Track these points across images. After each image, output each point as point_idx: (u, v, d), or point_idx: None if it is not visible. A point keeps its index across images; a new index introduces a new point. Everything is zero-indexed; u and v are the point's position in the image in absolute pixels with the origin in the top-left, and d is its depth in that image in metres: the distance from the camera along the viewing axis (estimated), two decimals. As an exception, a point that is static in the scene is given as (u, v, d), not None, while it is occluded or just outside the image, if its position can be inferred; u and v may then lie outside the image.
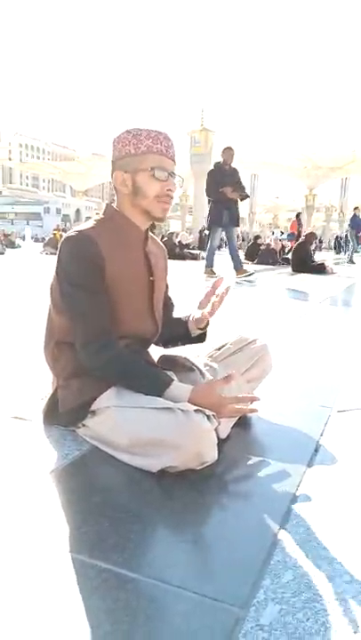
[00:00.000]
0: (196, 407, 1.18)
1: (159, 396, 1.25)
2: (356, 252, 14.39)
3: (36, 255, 13.42)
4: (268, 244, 12.48)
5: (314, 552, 0.91)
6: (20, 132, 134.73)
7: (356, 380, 2.13)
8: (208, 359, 1.60)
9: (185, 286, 5.48)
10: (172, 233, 15.14)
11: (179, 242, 13.65)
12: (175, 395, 1.25)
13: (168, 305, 1.59)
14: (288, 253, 12.00)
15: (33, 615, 0.74)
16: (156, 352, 1.55)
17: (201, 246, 19.18)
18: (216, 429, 1.23)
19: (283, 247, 12.55)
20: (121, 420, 1.23)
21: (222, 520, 1.04)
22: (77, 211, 56.71)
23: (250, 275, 6.96)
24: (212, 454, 1.21)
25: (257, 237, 13.54)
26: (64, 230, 17.56)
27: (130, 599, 0.78)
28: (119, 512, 1.02)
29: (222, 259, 8.13)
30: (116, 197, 1.40)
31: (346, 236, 15.64)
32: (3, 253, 13.38)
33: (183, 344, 1.60)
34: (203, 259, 13.57)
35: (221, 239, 9.08)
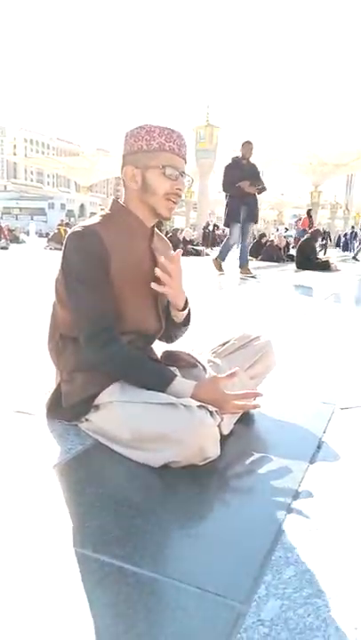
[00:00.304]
0: (199, 403, 1.19)
1: (162, 392, 1.25)
2: None
3: (41, 250, 13.44)
4: (272, 241, 12.44)
5: (315, 548, 0.92)
6: (25, 127, 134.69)
7: (360, 377, 2.13)
8: (211, 355, 1.60)
9: (189, 282, 5.48)
10: (177, 229, 15.14)
11: (183, 238, 13.64)
12: (178, 390, 1.25)
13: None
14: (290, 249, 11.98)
15: (36, 608, 0.75)
16: (159, 348, 1.55)
17: (205, 242, 19.18)
18: (219, 425, 1.24)
19: (287, 244, 12.51)
20: (124, 415, 1.23)
21: (224, 515, 1.04)
22: (82, 206, 56.69)
23: (252, 276, 6.78)
24: (214, 450, 1.21)
25: (262, 236, 13.51)
26: (67, 225, 17.54)
27: (132, 593, 0.78)
28: (122, 506, 1.03)
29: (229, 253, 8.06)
30: (123, 192, 1.39)
31: (353, 233, 15.58)
32: (7, 248, 13.40)
33: (175, 334, 1.57)
34: (207, 255, 13.61)
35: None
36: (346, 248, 24.15)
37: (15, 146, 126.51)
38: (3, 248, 13.27)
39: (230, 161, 6.76)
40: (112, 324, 1.30)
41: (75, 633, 0.70)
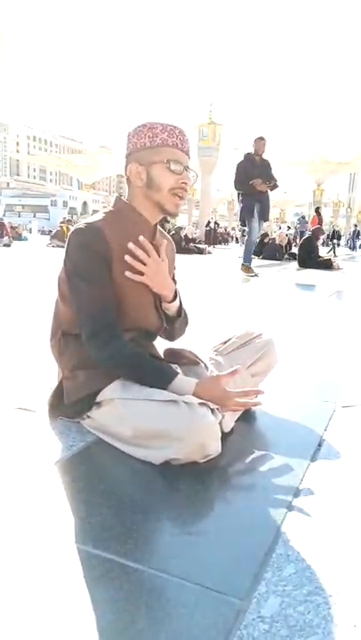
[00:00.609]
0: (200, 400, 1.19)
1: (164, 389, 1.25)
2: None
3: (43, 248, 13.44)
4: (274, 239, 12.43)
5: (316, 546, 0.92)
6: (28, 124, 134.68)
7: (362, 375, 2.13)
8: (213, 353, 1.60)
9: (191, 279, 5.48)
10: (180, 227, 15.12)
11: (185, 236, 13.63)
12: (180, 388, 1.25)
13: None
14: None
15: (37, 604, 0.75)
16: (161, 345, 1.55)
17: (207, 240, 19.16)
18: (220, 423, 1.24)
19: (289, 242, 12.47)
20: (125, 412, 1.23)
21: (225, 513, 1.05)
22: (84, 203, 56.69)
23: (254, 275, 6.58)
24: (215, 447, 1.21)
25: (265, 235, 13.49)
26: (69, 222, 17.54)
27: (132, 589, 0.78)
28: (123, 503, 1.03)
29: (228, 252, 8.05)
30: (127, 190, 1.39)
31: (355, 231, 15.51)
32: (9, 245, 13.40)
33: (172, 328, 1.55)
34: (209, 253, 13.60)
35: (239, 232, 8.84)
36: (353, 247, 24.08)
37: (18, 143, 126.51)
38: (5, 245, 13.27)
39: (243, 157, 6.60)
40: (114, 321, 1.30)
41: (76, 629, 0.71)
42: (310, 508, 1.04)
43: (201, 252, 13.45)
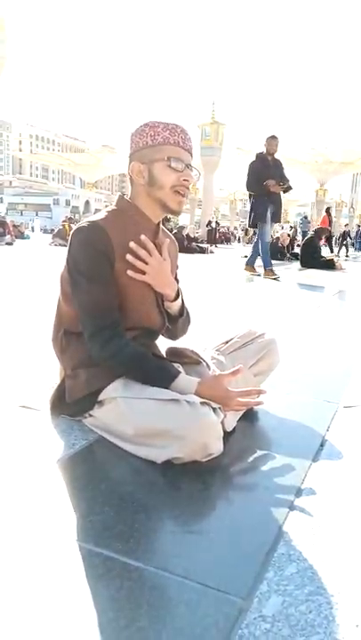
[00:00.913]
0: (202, 399, 1.19)
1: (166, 388, 1.25)
2: None
3: (45, 246, 13.45)
4: (277, 239, 12.41)
5: (318, 546, 0.92)
6: (31, 123, 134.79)
7: (364, 376, 2.12)
8: (215, 352, 1.60)
9: (194, 278, 5.47)
10: (182, 227, 15.11)
11: (187, 235, 13.63)
12: (182, 387, 1.25)
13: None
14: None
15: (39, 602, 0.75)
16: (163, 344, 1.55)
17: (209, 240, 19.15)
18: (222, 422, 1.24)
19: (291, 242, 12.46)
20: (127, 411, 1.23)
21: (227, 512, 1.05)
22: (87, 202, 56.71)
23: (258, 275, 6.47)
24: (217, 446, 1.21)
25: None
26: (71, 220, 17.54)
27: (134, 587, 0.78)
28: (124, 501, 1.03)
29: (230, 252, 8.04)
30: (130, 189, 1.39)
31: (358, 232, 15.45)
32: (12, 244, 13.41)
33: (174, 328, 1.55)
34: (211, 252, 13.59)
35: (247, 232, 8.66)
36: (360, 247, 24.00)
37: (21, 142, 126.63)
38: (8, 244, 13.28)
39: (255, 157, 6.38)
40: (116, 320, 1.30)
41: (77, 627, 0.71)
42: (312, 508, 1.04)
43: (203, 251, 13.45)
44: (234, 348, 1.60)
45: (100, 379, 1.31)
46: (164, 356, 1.50)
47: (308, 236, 9.92)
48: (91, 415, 1.36)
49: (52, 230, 19.76)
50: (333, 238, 14.51)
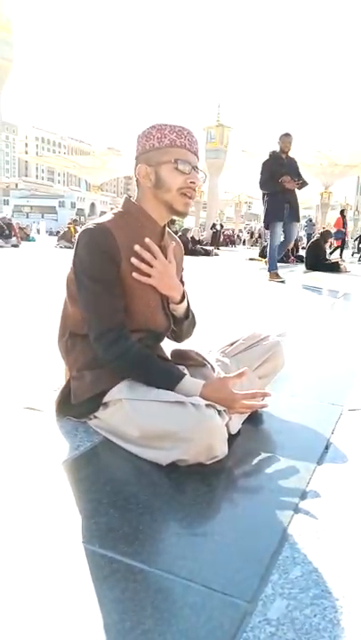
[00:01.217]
0: (207, 402, 1.19)
1: (171, 391, 1.25)
2: None
3: (51, 248, 13.50)
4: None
5: (323, 549, 0.91)
6: (37, 125, 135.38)
7: (369, 379, 2.12)
8: (220, 354, 1.60)
9: (198, 281, 5.48)
10: (187, 229, 15.13)
11: (191, 237, 13.64)
12: (187, 389, 1.25)
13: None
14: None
15: (43, 603, 0.75)
16: (168, 346, 1.55)
17: (213, 242, 19.15)
18: (227, 424, 1.24)
19: (296, 245, 12.43)
20: (132, 413, 1.23)
21: (231, 514, 1.04)
22: (92, 205, 56.84)
23: (282, 281, 6.16)
24: (222, 449, 1.21)
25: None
26: (76, 222, 17.60)
27: (139, 590, 0.78)
28: (129, 503, 1.03)
29: (234, 254, 8.01)
30: (136, 191, 1.40)
31: None
32: (18, 246, 13.46)
33: (179, 330, 1.55)
34: (216, 255, 13.59)
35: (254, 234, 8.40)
36: None
37: (27, 144, 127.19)
38: (14, 246, 13.33)
39: (268, 156, 6.20)
40: (122, 322, 1.30)
41: (82, 628, 0.71)
42: (317, 511, 1.04)
43: (207, 253, 13.45)
44: (239, 351, 1.60)
45: (105, 380, 1.32)
46: (169, 358, 1.51)
47: (314, 238, 9.90)
48: (96, 417, 1.36)
49: (58, 232, 19.81)
50: (348, 241, 14.42)
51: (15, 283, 5.46)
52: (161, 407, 1.20)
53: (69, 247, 12.42)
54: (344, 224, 14.11)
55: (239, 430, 1.39)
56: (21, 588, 0.78)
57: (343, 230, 13.86)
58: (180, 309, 1.48)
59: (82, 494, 1.07)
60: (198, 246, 13.65)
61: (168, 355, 1.52)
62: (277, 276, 6.32)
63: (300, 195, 6.31)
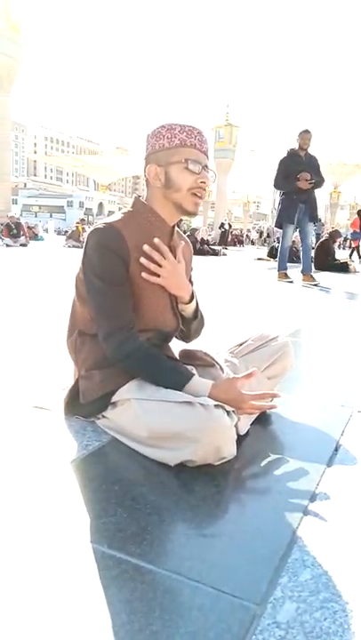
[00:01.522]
0: (216, 402, 1.18)
1: (179, 391, 1.25)
2: None
3: (59, 248, 13.54)
4: (293, 242, 12.35)
5: (332, 551, 0.91)
6: (46, 125, 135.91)
7: (379, 380, 2.10)
8: (229, 355, 1.59)
9: (207, 280, 5.47)
10: (195, 229, 15.12)
11: (201, 239, 13.62)
12: (195, 389, 1.25)
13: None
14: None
15: (52, 603, 0.75)
16: (176, 347, 1.55)
17: (221, 242, 19.13)
18: (236, 425, 1.23)
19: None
20: (141, 413, 1.23)
21: (240, 516, 1.04)
22: (100, 204, 57.01)
23: (316, 284, 5.99)
24: (231, 450, 1.21)
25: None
26: (83, 221, 17.67)
27: (147, 591, 0.78)
28: (137, 503, 1.03)
29: (242, 254, 7.97)
30: (146, 191, 1.40)
31: None
32: (26, 245, 13.53)
33: (187, 330, 1.55)
34: (224, 255, 13.58)
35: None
36: None
37: (36, 144, 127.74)
38: (22, 245, 13.40)
39: (286, 154, 5.99)
40: (131, 322, 1.30)
41: (91, 630, 0.71)
42: (326, 514, 1.03)
43: (216, 253, 13.44)
44: (247, 351, 1.59)
45: (114, 380, 1.32)
46: (178, 358, 1.50)
47: (323, 238, 9.85)
48: (104, 416, 1.36)
49: (66, 232, 19.89)
50: None
51: (24, 282, 5.48)
52: (169, 407, 1.20)
53: (77, 246, 12.46)
54: None
55: (248, 431, 1.38)
56: (30, 588, 0.78)
57: (358, 231, 13.75)
58: (188, 309, 1.48)
59: (90, 494, 1.07)
60: (206, 246, 13.63)
61: (176, 355, 1.52)
62: (286, 276, 6.27)
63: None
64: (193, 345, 1.60)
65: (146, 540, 0.91)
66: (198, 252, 11.80)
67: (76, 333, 1.41)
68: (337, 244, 10.11)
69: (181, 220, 1.49)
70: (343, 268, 8.72)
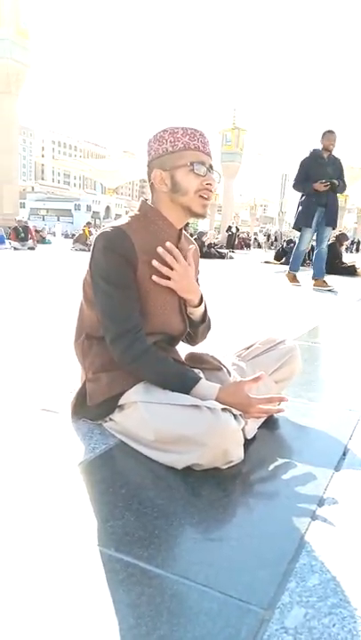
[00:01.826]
0: (223, 406, 1.18)
1: (186, 394, 1.25)
2: None
3: (67, 251, 13.59)
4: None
5: (341, 556, 0.90)
6: (53, 129, 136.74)
7: (387, 384, 2.09)
8: (236, 358, 1.59)
9: (214, 284, 5.47)
10: (202, 232, 15.13)
11: (208, 244, 13.62)
12: (203, 393, 1.25)
13: None
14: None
15: (59, 606, 0.75)
16: (183, 350, 1.55)
17: (228, 245, 19.13)
18: (243, 429, 1.23)
19: (312, 247, 12.35)
20: (148, 416, 1.23)
21: (248, 520, 1.03)
22: (107, 208, 57.17)
23: (329, 290, 5.82)
24: (238, 453, 1.20)
25: (290, 241, 13.40)
26: (89, 224, 17.74)
27: (155, 594, 0.78)
28: (145, 507, 1.03)
29: (249, 257, 7.96)
30: (151, 195, 1.40)
31: None
32: (34, 249, 13.59)
33: (194, 333, 1.55)
34: (231, 258, 13.57)
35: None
36: None
37: (43, 148, 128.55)
38: (30, 248, 13.46)
39: (308, 154, 5.71)
40: (138, 325, 1.30)
41: (98, 633, 0.71)
42: (334, 518, 1.03)
43: (222, 256, 13.43)
44: (255, 355, 1.59)
45: (121, 383, 1.32)
46: (185, 361, 1.50)
47: (330, 241, 9.82)
48: (111, 419, 1.36)
49: (74, 235, 19.96)
50: None
51: (32, 285, 5.51)
52: (176, 410, 1.20)
53: (84, 250, 12.49)
54: None
55: (255, 435, 1.38)
56: (37, 591, 0.78)
57: None
58: (197, 313, 1.48)
59: (97, 497, 1.07)
60: (213, 249, 13.63)
61: (183, 358, 1.52)
62: (295, 278, 6.14)
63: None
64: (200, 348, 1.60)
65: (153, 543, 0.91)
66: (205, 256, 11.81)
67: (83, 336, 1.41)
68: (344, 247, 10.07)
69: (188, 223, 1.49)
70: (350, 271, 8.69)
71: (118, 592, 0.78)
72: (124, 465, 1.24)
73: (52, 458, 1.24)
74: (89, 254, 1.35)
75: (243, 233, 27.27)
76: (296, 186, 5.79)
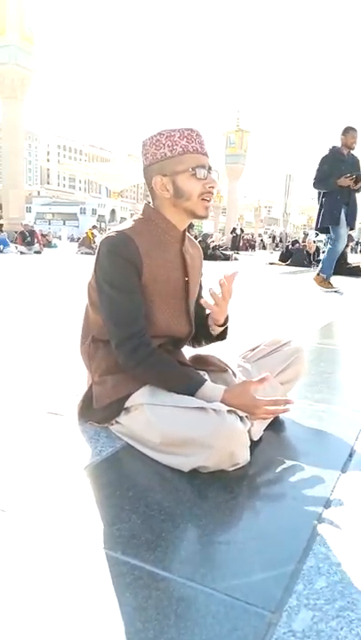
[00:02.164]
0: (229, 408, 1.18)
1: (192, 396, 1.25)
2: None
3: (72, 255, 13.63)
4: (305, 245, 12.34)
5: (348, 559, 0.89)
6: (59, 133, 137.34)
7: (394, 385, 2.07)
8: (241, 360, 1.59)
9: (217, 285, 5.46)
10: (207, 234, 15.14)
11: (213, 246, 13.63)
12: (208, 395, 1.25)
13: (201, 305, 1.59)
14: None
15: (66, 609, 0.75)
16: (188, 352, 1.55)
17: (233, 247, 19.13)
18: (249, 431, 1.23)
19: (317, 249, 12.35)
20: (154, 418, 1.23)
21: (254, 522, 1.03)
22: (112, 211, 57.30)
23: (335, 290, 5.62)
24: (244, 456, 1.20)
25: (295, 242, 13.40)
26: (94, 227, 17.81)
27: (162, 598, 0.78)
28: (151, 510, 1.03)
29: (253, 259, 7.95)
30: (152, 199, 1.40)
31: None
32: (40, 253, 13.65)
33: (207, 343, 1.59)
34: (235, 259, 13.56)
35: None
36: None
37: (49, 152, 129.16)
38: (36, 252, 13.52)
39: (327, 152, 5.46)
40: (143, 329, 1.30)
41: (105, 637, 0.71)
42: (341, 520, 1.02)
43: (227, 258, 13.43)
44: (260, 356, 1.59)
45: (127, 385, 1.32)
46: (190, 363, 1.50)
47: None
48: (118, 422, 1.36)
49: (79, 239, 20.02)
50: None
51: (38, 289, 5.53)
52: (182, 413, 1.20)
53: (90, 253, 12.53)
54: None
55: (261, 437, 1.38)
56: (44, 594, 0.78)
57: None
58: (219, 330, 1.53)
59: (104, 500, 1.07)
60: (218, 251, 13.63)
61: (188, 360, 1.52)
62: (330, 284, 5.68)
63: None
64: (205, 350, 1.60)
65: (160, 546, 0.91)
66: (210, 258, 11.81)
67: (89, 339, 1.42)
68: (349, 248, 10.03)
69: (192, 226, 1.50)
70: (354, 271, 8.65)
71: (125, 595, 0.78)
72: (130, 468, 1.24)
73: (58, 461, 1.25)
74: (94, 257, 1.36)
75: (247, 234, 27.25)
76: (317, 184, 5.49)
